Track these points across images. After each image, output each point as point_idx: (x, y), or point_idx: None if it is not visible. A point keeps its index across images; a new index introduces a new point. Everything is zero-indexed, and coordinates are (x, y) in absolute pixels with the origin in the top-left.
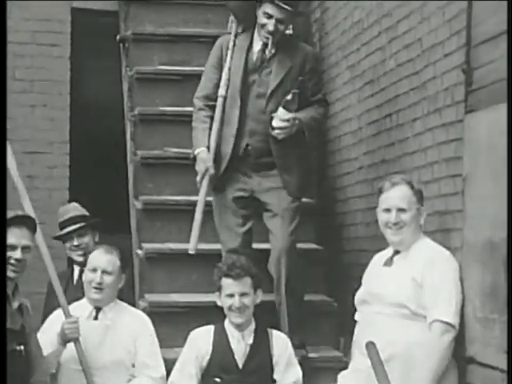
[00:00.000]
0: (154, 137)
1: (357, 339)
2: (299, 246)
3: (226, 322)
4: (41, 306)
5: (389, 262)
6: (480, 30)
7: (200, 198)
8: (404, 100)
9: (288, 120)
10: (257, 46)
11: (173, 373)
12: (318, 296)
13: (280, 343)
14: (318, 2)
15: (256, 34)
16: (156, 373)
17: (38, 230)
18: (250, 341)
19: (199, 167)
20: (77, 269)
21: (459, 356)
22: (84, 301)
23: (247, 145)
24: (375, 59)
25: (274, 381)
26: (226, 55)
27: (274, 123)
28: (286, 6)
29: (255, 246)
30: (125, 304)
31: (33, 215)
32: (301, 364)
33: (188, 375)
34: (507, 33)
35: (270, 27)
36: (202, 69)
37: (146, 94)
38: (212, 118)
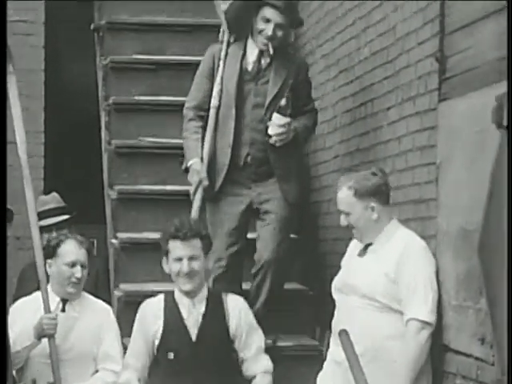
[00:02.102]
0: (129, 126)
1: (333, 329)
2: None
3: (176, 290)
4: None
5: (362, 253)
6: (453, 19)
7: (193, 212)
8: (378, 88)
9: (284, 125)
10: (251, 54)
11: (127, 351)
12: (294, 284)
13: (237, 308)
14: None
15: (249, 43)
16: (116, 366)
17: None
18: (202, 309)
19: (192, 179)
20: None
21: (435, 343)
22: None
23: (248, 154)
24: (350, 48)
25: (235, 351)
26: (218, 65)
27: (271, 131)
28: (285, 10)
29: None
30: (87, 295)
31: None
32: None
33: (141, 354)
34: (507, 31)
35: (269, 32)
36: (177, 58)
37: (121, 83)
38: (203, 128)
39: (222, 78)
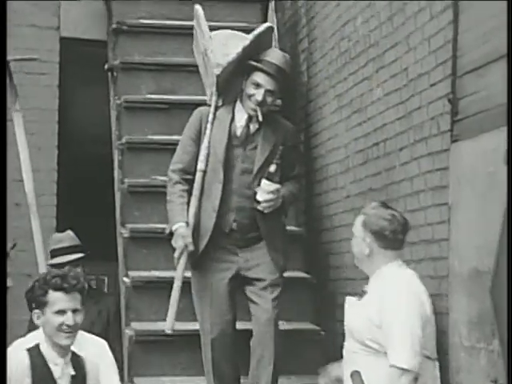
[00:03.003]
0: (142, 165)
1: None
2: (287, 274)
3: (46, 346)
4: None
5: (362, 295)
6: (465, 61)
7: (177, 276)
8: (390, 129)
9: (273, 192)
10: (240, 119)
11: None
12: (305, 324)
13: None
14: (305, 32)
15: (238, 107)
16: None
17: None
18: (71, 370)
19: (177, 243)
20: None
21: None
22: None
23: (234, 221)
24: (362, 89)
25: None
26: (206, 128)
27: (259, 197)
28: (276, 77)
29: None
30: (82, 332)
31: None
32: None
33: None
34: (507, 34)
35: (259, 97)
36: (190, 98)
37: (134, 122)
38: (189, 191)
39: (209, 142)
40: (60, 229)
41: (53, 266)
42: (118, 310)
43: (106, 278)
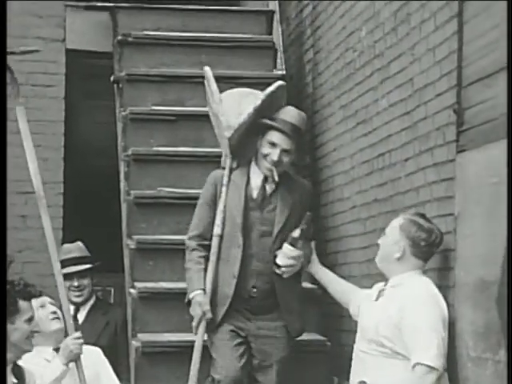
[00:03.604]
0: (148, 177)
1: (351, 379)
2: None
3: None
4: None
5: (379, 296)
6: (470, 71)
7: (197, 346)
8: (396, 140)
9: (295, 258)
10: (256, 181)
11: None
12: (312, 335)
13: None
14: (310, 43)
15: (253, 169)
16: None
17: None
18: (14, 379)
19: (195, 312)
20: (71, 308)
21: None
22: (38, 348)
23: (253, 286)
24: (367, 99)
25: None
26: (221, 192)
27: (280, 261)
28: (292, 135)
29: None
30: None
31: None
32: None
33: None
34: (507, 34)
35: (275, 157)
36: (196, 109)
37: (140, 134)
38: (206, 258)
39: (225, 206)
40: (66, 241)
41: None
42: (125, 322)
43: (112, 290)
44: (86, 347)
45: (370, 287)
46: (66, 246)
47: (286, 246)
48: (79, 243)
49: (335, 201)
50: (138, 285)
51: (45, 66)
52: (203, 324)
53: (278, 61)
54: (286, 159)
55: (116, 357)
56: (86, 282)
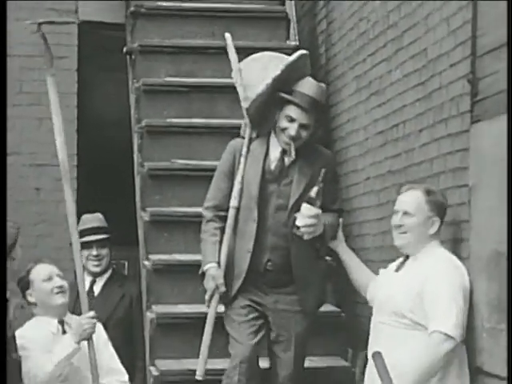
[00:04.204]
0: (162, 148)
1: (369, 350)
2: None
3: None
4: None
5: (399, 268)
6: (485, 41)
7: (209, 319)
8: (410, 110)
9: (314, 216)
10: (274, 153)
11: None
12: (327, 307)
13: None
14: (324, 14)
15: (272, 141)
16: (123, 376)
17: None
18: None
19: (208, 285)
20: (88, 279)
21: (469, 366)
22: (42, 318)
23: (268, 260)
24: (381, 70)
25: None
26: (239, 162)
27: (299, 222)
28: (310, 110)
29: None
30: (71, 314)
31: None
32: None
33: None
34: (507, 39)
35: (292, 132)
36: (209, 80)
37: (153, 105)
38: (222, 229)
39: (242, 178)
40: (80, 213)
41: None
42: (140, 295)
43: (126, 263)
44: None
45: (382, 259)
46: (86, 216)
47: (304, 205)
48: (98, 214)
49: (349, 172)
50: (153, 257)
51: (57, 37)
52: (216, 297)
53: (291, 31)
54: (304, 133)
55: (131, 329)
56: (104, 251)
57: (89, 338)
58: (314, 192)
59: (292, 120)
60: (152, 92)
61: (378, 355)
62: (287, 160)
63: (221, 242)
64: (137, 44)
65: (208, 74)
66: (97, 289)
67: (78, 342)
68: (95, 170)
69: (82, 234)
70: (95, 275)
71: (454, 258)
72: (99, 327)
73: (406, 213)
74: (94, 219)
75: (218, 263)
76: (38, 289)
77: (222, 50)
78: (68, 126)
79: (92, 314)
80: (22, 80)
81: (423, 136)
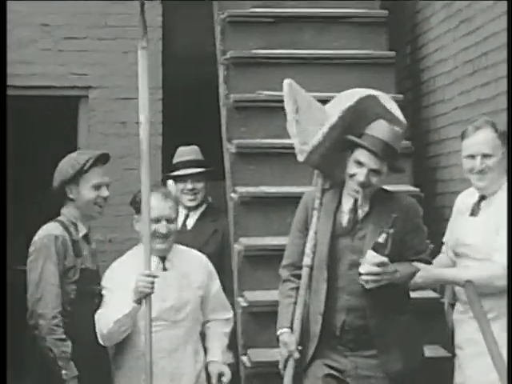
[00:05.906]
0: (247, 80)
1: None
2: (395, 187)
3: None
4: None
5: (476, 211)
6: None
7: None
8: (500, 38)
9: (379, 264)
10: (347, 204)
11: None
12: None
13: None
14: None
15: (345, 191)
16: (229, 313)
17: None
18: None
19: (282, 352)
20: (182, 214)
21: None
22: (139, 252)
23: (344, 322)
24: None
25: None
26: (312, 216)
27: (362, 269)
28: (382, 155)
29: None
30: (179, 246)
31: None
32: None
33: None
34: (507, 33)
35: (361, 177)
36: (296, 11)
37: (239, 37)
38: (298, 289)
39: (315, 233)
40: (165, 147)
41: (175, 178)
42: (227, 228)
43: (209, 198)
44: (190, 250)
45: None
46: (182, 148)
47: (369, 252)
48: (195, 146)
49: (436, 102)
50: (239, 189)
51: None
52: (291, 363)
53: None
54: (375, 179)
55: (222, 264)
56: (199, 186)
57: (147, 296)
58: (381, 238)
59: (361, 164)
60: (237, 23)
61: (469, 284)
62: (361, 211)
63: (295, 303)
64: None
65: (294, 4)
66: (190, 223)
67: (137, 302)
68: (180, 102)
69: (177, 166)
70: (189, 209)
71: None
72: (207, 260)
73: (484, 155)
74: (190, 152)
75: (291, 328)
76: (142, 219)
77: None
78: (153, 59)
79: (148, 272)
80: (107, 13)
81: None
